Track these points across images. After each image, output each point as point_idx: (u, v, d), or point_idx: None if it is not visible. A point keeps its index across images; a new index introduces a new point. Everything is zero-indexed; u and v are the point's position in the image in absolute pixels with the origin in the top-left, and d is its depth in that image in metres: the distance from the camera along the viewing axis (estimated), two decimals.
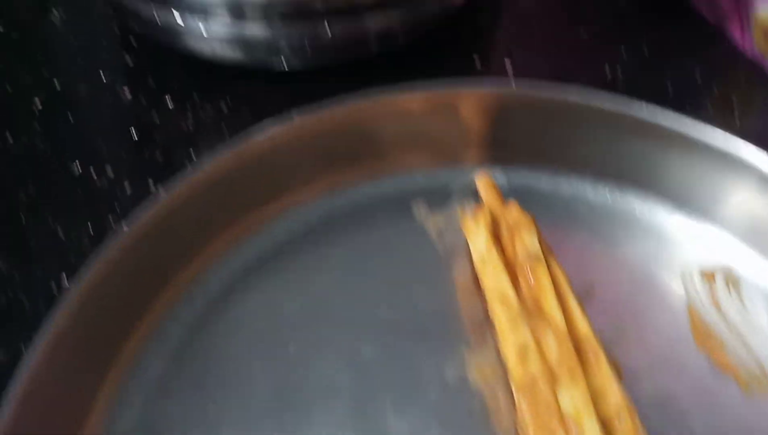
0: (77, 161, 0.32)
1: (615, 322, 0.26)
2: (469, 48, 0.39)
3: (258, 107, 0.35)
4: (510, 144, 0.31)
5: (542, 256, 0.24)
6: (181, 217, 0.26)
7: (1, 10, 0.42)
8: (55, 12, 0.42)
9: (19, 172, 0.32)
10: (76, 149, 0.33)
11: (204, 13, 0.31)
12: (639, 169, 0.30)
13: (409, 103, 0.30)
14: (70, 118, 0.35)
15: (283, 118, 0.28)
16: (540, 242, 0.25)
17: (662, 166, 0.29)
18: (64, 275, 0.27)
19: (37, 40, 0.40)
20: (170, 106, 0.35)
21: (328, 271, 0.28)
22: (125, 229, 0.25)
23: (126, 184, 0.31)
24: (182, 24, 0.31)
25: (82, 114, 0.35)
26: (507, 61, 0.38)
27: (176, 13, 0.31)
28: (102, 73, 0.37)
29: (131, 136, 0.34)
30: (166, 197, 0.26)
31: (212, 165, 0.27)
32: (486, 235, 0.25)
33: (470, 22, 0.40)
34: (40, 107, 0.35)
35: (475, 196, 0.30)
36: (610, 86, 0.37)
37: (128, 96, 0.36)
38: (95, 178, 0.31)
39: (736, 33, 0.39)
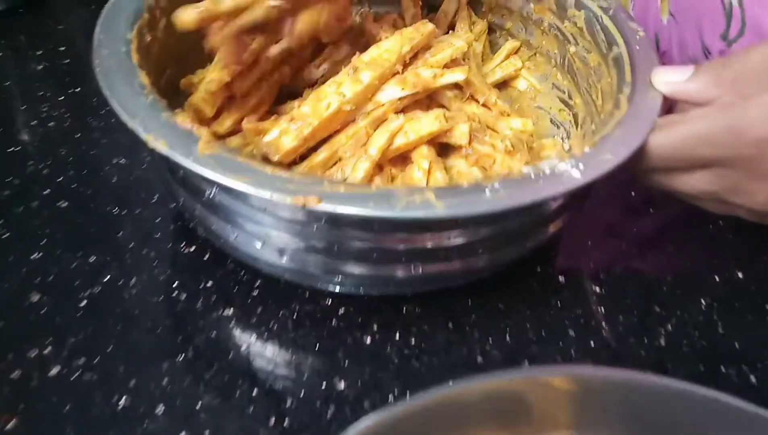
0: (124, 394, 0.28)
1: None
2: (555, 268, 0.36)
3: (326, 327, 0.32)
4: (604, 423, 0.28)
5: None
6: None
7: (51, 175, 0.39)
8: (109, 182, 0.39)
9: (58, 401, 0.28)
10: (123, 372, 0.29)
11: (285, 247, 0.28)
12: None
13: (501, 385, 0.27)
14: (119, 324, 0.31)
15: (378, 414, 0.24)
16: None
17: None
18: None
19: (86, 215, 0.37)
20: (229, 315, 0.32)
21: None
22: None
23: (184, 433, 0.27)
24: (257, 247, 0.29)
25: (132, 321, 0.31)
26: (593, 287, 0.35)
27: (251, 238, 0.28)
28: (155, 267, 0.34)
29: (186, 358, 0.30)
30: None
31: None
32: None
33: (558, 244, 0.38)
34: (85, 302, 0.32)
35: None
36: (707, 319, 0.34)
37: (183, 300, 0.33)
38: (144, 419, 0.27)
39: None
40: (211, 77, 0.34)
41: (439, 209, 0.23)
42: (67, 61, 0.49)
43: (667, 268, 0.37)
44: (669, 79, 0.30)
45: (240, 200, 0.28)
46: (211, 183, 0.28)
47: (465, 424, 0.27)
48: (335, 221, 0.27)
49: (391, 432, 0.25)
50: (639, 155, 0.28)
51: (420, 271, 0.29)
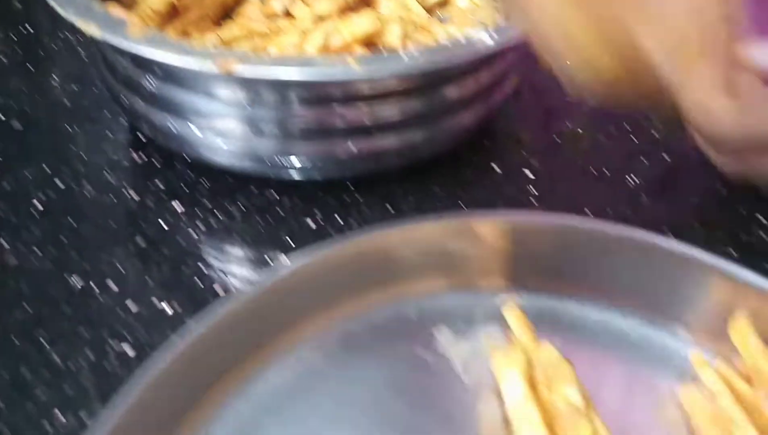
0: (77, 275, 0.30)
1: None
2: (489, 153, 0.39)
3: (271, 214, 0.34)
4: (536, 269, 0.30)
5: (585, 412, 0.22)
6: (198, 352, 0.24)
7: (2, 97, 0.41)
8: (62, 104, 0.41)
9: (14, 285, 0.30)
10: (77, 260, 0.31)
11: (222, 127, 0.30)
12: (672, 301, 0.29)
13: (432, 230, 0.29)
14: (72, 222, 0.33)
15: (307, 249, 0.26)
16: (581, 392, 0.23)
17: (700, 303, 0.28)
18: (58, 412, 0.25)
19: (40, 133, 0.39)
20: (179, 210, 0.34)
21: (343, 408, 0.26)
22: (144, 369, 0.22)
23: (130, 301, 0.29)
24: (200, 136, 0.30)
25: (85, 218, 0.33)
26: (527, 174, 0.38)
27: (193, 126, 0.30)
28: (108, 173, 0.36)
29: (137, 245, 0.32)
30: (188, 334, 0.24)
31: (236, 298, 0.25)
32: (522, 382, 0.23)
33: (492, 133, 0.40)
34: (40, 208, 0.34)
35: (501, 322, 0.29)
36: (634, 199, 0.37)
37: (135, 199, 0.35)
38: (97, 294, 0.29)
39: None
40: None
41: (356, 69, 0.25)
42: None
43: (599, 160, 0.40)
44: None
45: (174, 84, 0.29)
46: (147, 72, 0.30)
47: (396, 271, 0.29)
48: (261, 95, 0.28)
49: (321, 271, 0.27)
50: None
51: (357, 147, 0.30)
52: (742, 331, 0.27)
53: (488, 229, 0.29)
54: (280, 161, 0.32)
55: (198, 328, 0.24)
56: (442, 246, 0.29)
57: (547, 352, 0.25)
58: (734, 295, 0.27)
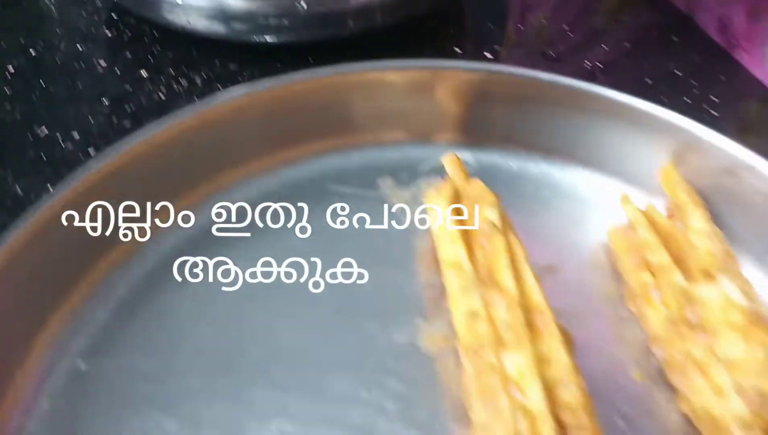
0: (44, 126, 0.32)
1: (574, 301, 0.26)
2: (451, 39, 0.39)
3: (232, 82, 0.35)
4: (482, 125, 0.31)
5: (499, 226, 0.24)
6: (134, 175, 0.25)
7: None
8: None
9: None
10: (44, 114, 0.33)
11: None
12: (610, 155, 0.30)
13: (383, 77, 0.30)
14: (42, 84, 0.35)
15: (252, 84, 0.28)
16: (500, 215, 0.24)
17: (634, 154, 0.29)
18: None
19: (17, 9, 0.40)
20: (144, 77, 0.35)
21: (286, 239, 0.27)
22: (72, 182, 0.24)
23: (91, 149, 0.31)
24: None
25: (55, 81, 0.35)
26: (487, 54, 0.38)
27: None
28: (79, 44, 0.37)
29: (102, 103, 0.34)
30: (118, 153, 0.25)
31: (171, 125, 0.26)
32: (446, 206, 0.25)
33: (456, 15, 0.40)
34: (13, 71, 0.35)
35: (443, 174, 0.30)
36: (587, 77, 0.37)
37: (103, 66, 0.36)
38: (61, 141, 0.31)
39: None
40: None
41: None
42: None
43: (560, 46, 0.40)
44: None
45: None
46: None
47: (348, 118, 0.30)
48: None
49: (266, 106, 0.28)
50: None
51: (313, 5, 0.31)
52: (670, 173, 0.28)
53: (441, 79, 0.30)
54: (237, 21, 0.33)
55: (129, 144, 0.25)
56: (393, 96, 0.30)
57: (476, 186, 0.26)
58: (669, 142, 0.28)
